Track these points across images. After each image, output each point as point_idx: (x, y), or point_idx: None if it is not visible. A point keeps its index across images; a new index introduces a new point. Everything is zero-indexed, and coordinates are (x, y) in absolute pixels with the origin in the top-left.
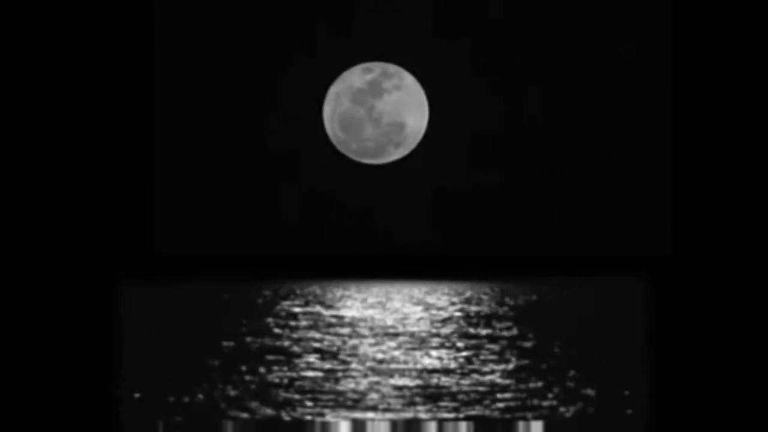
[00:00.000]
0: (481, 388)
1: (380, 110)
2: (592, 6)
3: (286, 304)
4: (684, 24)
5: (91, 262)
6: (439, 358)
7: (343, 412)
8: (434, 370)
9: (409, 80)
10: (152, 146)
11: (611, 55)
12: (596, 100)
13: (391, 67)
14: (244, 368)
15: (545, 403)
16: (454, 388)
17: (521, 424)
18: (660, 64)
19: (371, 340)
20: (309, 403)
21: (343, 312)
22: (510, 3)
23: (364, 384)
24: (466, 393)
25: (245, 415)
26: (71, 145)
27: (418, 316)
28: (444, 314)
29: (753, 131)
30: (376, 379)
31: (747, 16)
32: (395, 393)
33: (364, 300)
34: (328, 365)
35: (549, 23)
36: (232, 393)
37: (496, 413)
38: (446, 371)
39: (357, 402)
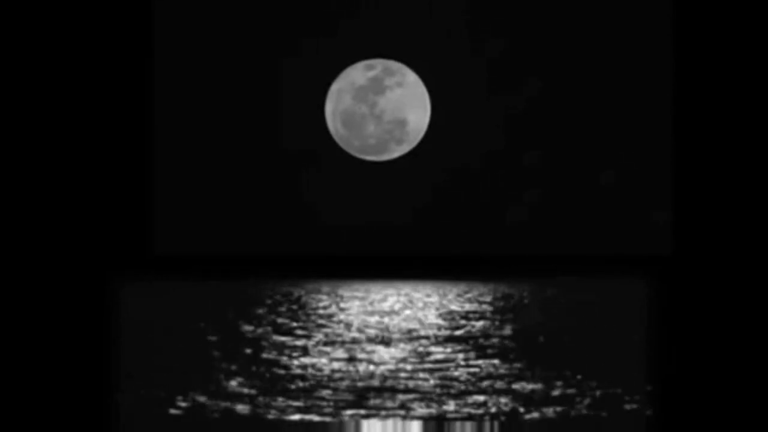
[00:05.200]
0: (480, 388)
1: (382, 107)
2: (593, 6)
3: (286, 303)
4: (684, 24)
5: (92, 262)
6: (439, 358)
7: (345, 413)
8: (433, 370)
9: (411, 77)
10: (152, 147)
11: (611, 55)
12: (596, 100)
13: (393, 64)
14: (243, 367)
15: (545, 403)
16: (454, 388)
17: (520, 424)
18: (660, 64)
19: (371, 340)
20: (310, 403)
21: (343, 312)
22: (512, 2)
23: (365, 384)
24: (466, 393)
25: (246, 415)
26: (71, 146)
27: (417, 315)
28: (443, 314)
29: (753, 132)
30: (377, 379)
31: (747, 16)
32: (396, 393)
33: (363, 299)
34: (328, 365)
35: (550, 22)
36: (232, 393)
37: (493, 414)
38: (445, 371)
39: (358, 402)
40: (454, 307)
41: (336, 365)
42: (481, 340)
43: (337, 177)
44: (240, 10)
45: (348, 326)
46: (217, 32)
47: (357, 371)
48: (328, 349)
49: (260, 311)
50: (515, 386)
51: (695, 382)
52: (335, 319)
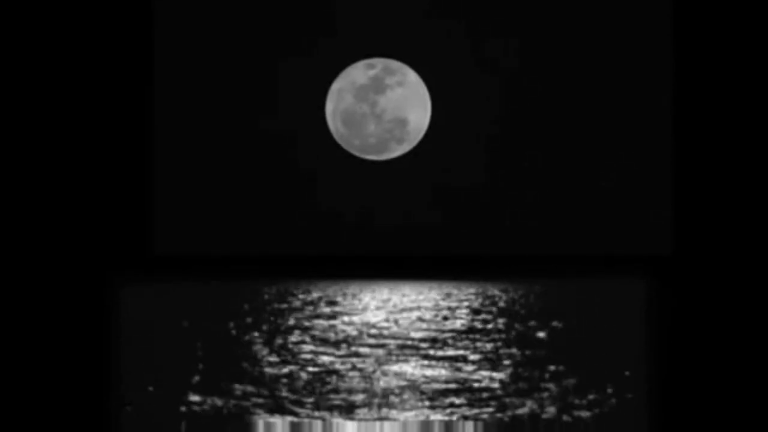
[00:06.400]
0: (479, 389)
1: (383, 106)
2: (593, 6)
3: (286, 304)
4: (684, 24)
5: (91, 263)
6: (439, 359)
7: (346, 413)
8: (433, 371)
9: (412, 76)
10: (152, 146)
11: (611, 55)
12: (596, 100)
13: (394, 63)
14: (243, 368)
15: (544, 404)
16: (453, 389)
17: (520, 425)
18: (660, 64)
19: (372, 340)
20: (311, 403)
21: (344, 312)
22: (512, 2)
23: (366, 385)
24: (465, 393)
25: (246, 415)
26: (71, 145)
27: (417, 316)
28: (443, 314)
29: (753, 131)
30: (377, 379)
31: (747, 16)
32: (396, 393)
33: (364, 299)
34: (329, 365)
35: (551, 22)
36: (233, 393)
37: (494, 414)
38: (445, 372)
39: (359, 402)
40: (452, 307)
41: (338, 366)
42: (480, 341)
43: (337, 176)
44: (240, 9)
45: (348, 327)
46: (217, 32)
47: (359, 372)
48: (330, 348)
49: (260, 311)
50: (515, 386)
51: (695, 382)
52: (336, 319)
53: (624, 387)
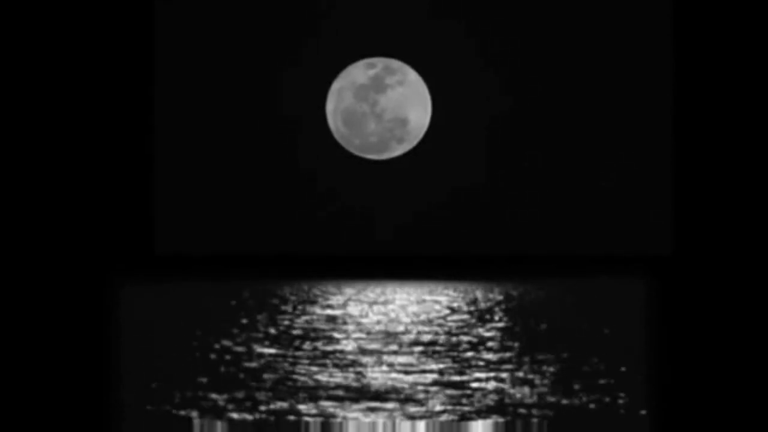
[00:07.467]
0: (480, 387)
1: (383, 106)
2: (593, 6)
3: (286, 304)
4: (684, 24)
5: (92, 262)
6: (440, 358)
7: (344, 412)
8: (433, 370)
9: (413, 76)
10: (153, 146)
11: (611, 55)
12: (596, 100)
13: (395, 63)
14: (243, 368)
15: (545, 403)
16: (454, 388)
17: (519, 423)
18: (660, 64)
19: (371, 340)
20: (309, 403)
21: (343, 312)
22: (513, 1)
23: (364, 384)
24: (466, 392)
25: (245, 414)
26: (71, 146)
27: (417, 316)
28: (443, 314)
29: (753, 131)
30: (376, 378)
31: (747, 16)
32: (396, 392)
33: (364, 299)
34: (328, 365)
35: (551, 22)
36: (232, 392)
37: (495, 412)
38: (446, 371)
39: (358, 401)
40: (453, 307)
41: (337, 365)
42: (480, 341)
43: (337, 176)
44: (240, 10)
45: (348, 327)
46: (217, 31)
47: (358, 372)
48: (329, 348)
49: (260, 311)
50: (516, 385)
51: (695, 382)
52: (336, 319)
53: (623, 386)
